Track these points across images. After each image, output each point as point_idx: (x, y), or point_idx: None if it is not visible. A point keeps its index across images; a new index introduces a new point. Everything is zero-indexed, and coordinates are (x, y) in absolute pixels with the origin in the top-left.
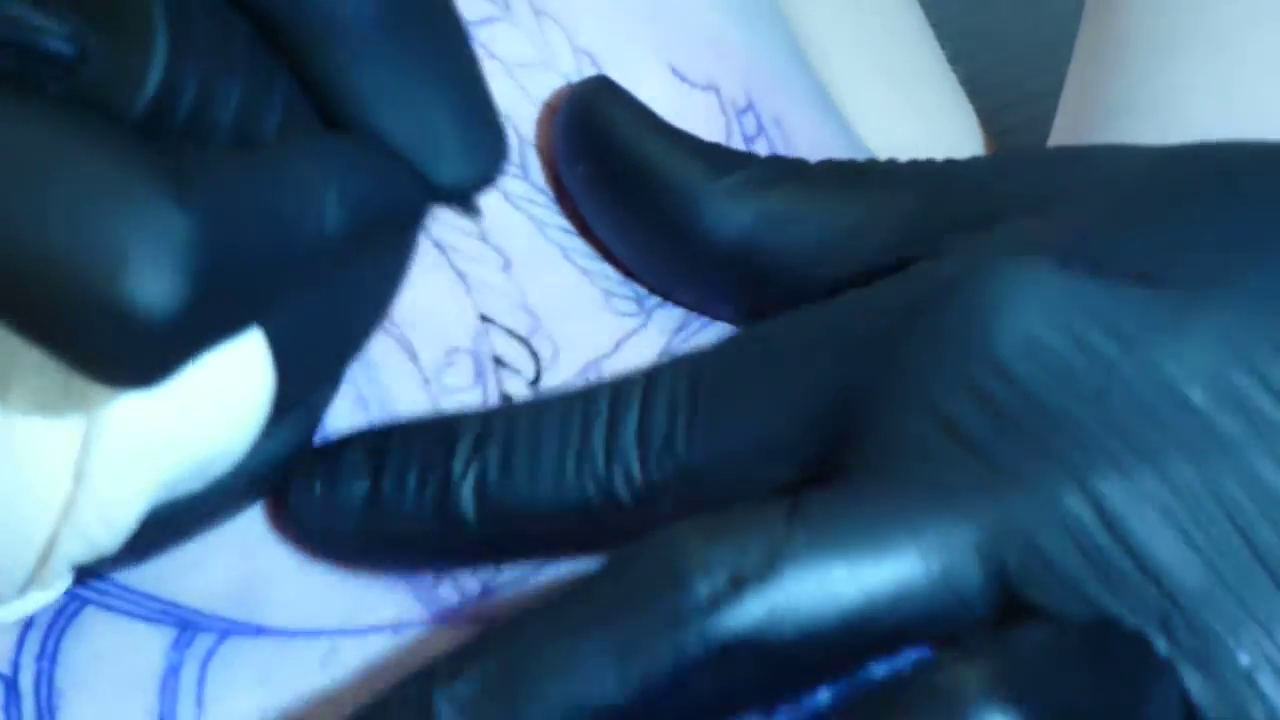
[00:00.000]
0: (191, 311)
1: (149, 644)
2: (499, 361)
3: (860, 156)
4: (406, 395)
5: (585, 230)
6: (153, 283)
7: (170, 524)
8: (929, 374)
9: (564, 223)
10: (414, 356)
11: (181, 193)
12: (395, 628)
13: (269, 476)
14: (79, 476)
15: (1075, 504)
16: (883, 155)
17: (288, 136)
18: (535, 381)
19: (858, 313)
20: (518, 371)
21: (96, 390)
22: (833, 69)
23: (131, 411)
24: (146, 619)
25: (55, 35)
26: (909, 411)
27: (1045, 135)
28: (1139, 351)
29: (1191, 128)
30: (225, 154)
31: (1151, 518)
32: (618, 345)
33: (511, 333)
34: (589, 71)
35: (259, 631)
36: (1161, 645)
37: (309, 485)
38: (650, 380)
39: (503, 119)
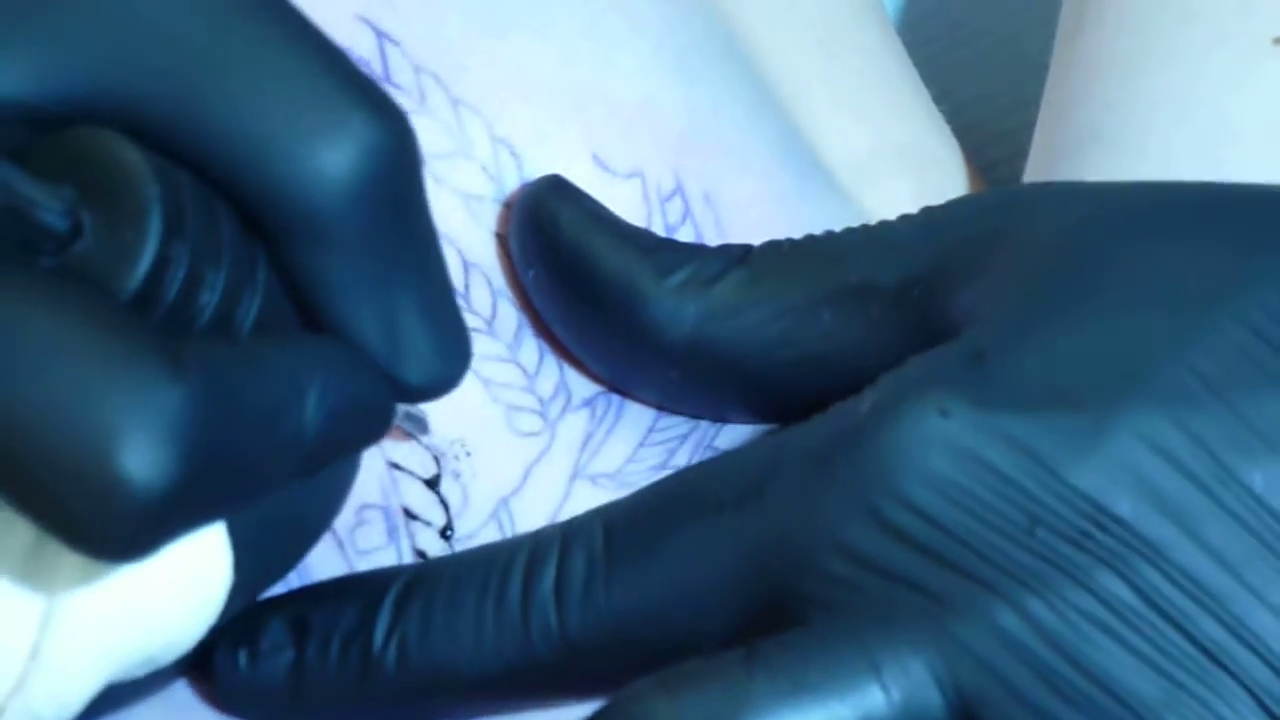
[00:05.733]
0: (181, 489)
1: None
2: (409, 514)
3: (816, 211)
4: (323, 562)
5: (540, 325)
6: (146, 457)
7: (108, 702)
8: (844, 517)
9: (471, 321)
10: None
11: (176, 371)
12: None
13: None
14: (34, 654)
15: (1011, 623)
16: (862, 194)
17: (264, 324)
18: (446, 530)
19: (775, 460)
20: (429, 523)
21: (60, 571)
22: (809, 112)
23: (93, 595)
24: None
25: (51, 209)
26: (830, 556)
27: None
28: (1060, 476)
29: (1157, 152)
30: (215, 341)
31: (1091, 634)
32: (526, 475)
33: (418, 477)
34: (507, 162)
35: None
36: None
37: (233, 656)
38: (567, 531)
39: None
